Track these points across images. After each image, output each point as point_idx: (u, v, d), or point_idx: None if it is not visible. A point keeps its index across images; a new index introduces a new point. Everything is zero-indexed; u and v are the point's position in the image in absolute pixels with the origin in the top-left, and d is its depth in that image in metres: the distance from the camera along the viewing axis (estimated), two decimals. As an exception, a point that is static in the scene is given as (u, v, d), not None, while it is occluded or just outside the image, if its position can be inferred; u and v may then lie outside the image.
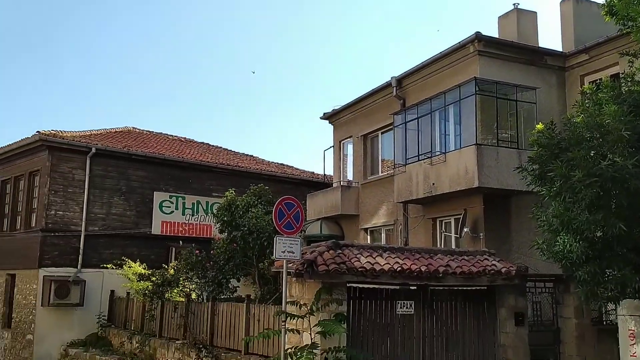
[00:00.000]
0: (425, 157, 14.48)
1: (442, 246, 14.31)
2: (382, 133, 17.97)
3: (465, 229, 13.54)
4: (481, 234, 13.46)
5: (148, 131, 24.88)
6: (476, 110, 13.38)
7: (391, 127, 16.53)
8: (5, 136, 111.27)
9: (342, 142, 19.78)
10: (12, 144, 19.81)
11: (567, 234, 9.01)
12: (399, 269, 9.93)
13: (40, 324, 18.02)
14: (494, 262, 10.90)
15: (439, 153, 14.18)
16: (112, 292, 18.77)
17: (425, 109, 14.88)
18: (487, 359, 10.97)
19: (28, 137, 18.96)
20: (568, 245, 8.93)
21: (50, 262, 18.27)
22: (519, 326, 11.05)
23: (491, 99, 13.64)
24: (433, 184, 14.07)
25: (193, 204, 21.24)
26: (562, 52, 15.04)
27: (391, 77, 16.55)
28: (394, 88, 16.48)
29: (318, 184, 22.30)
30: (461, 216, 13.82)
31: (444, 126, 14.64)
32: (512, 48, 14.43)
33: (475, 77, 13.50)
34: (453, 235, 14.54)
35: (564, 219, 9.00)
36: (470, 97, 13.52)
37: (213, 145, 25.98)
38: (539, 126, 9.85)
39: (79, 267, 18.54)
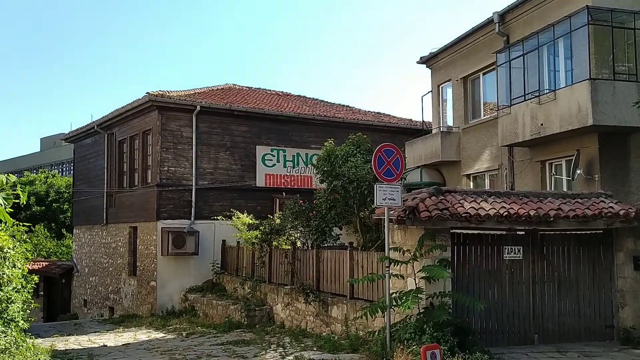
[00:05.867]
0: (533, 96, 13.66)
1: (552, 190, 13.61)
2: (483, 74, 17.14)
3: (578, 171, 12.77)
4: (596, 176, 12.64)
5: (247, 87, 25.54)
6: (589, 42, 12.35)
7: (493, 67, 15.71)
8: (118, 98, 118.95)
9: (441, 86, 19.12)
10: (126, 105, 21.14)
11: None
12: (506, 213, 9.63)
13: (161, 271, 19.58)
14: (610, 204, 10.24)
15: (547, 91, 13.31)
16: (224, 241, 19.87)
17: (531, 45, 13.94)
18: (603, 305, 10.51)
19: (139, 99, 20.13)
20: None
21: (167, 215, 19.63)
22: (638, 270, 10.41)
23: (606, 28, 12.50)
24: (541, 124, 13.29)
25: (293, 156, 21.74)
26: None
27: (493, 13, 15.58)
28: (497, 24, 15.54)
29: (417, 131, 21.88)
30: (573, 157, 13.01)
31: (553, 62, 13.67)
32: (630, -31, 13.00)
33: (587, 5, 12.38)
34: (564, 178, 13.77)
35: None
36: (582, 28, 12.48)
37: (310, 98, 26.20)
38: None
39: (192, 219, 19.77)
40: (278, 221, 16.15)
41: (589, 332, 10.41)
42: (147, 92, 19.60)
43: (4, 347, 9.42)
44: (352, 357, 9.75)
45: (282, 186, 21.33)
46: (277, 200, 20.53)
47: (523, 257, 10.25)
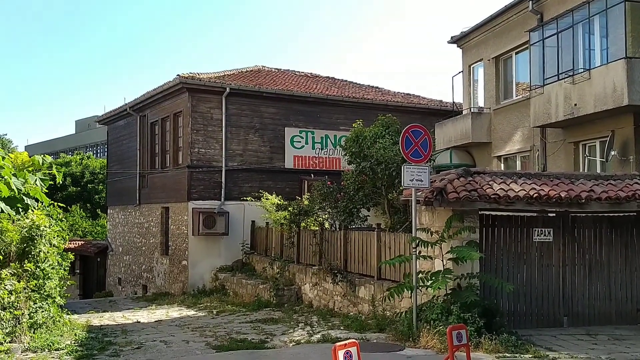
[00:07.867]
0: (566, 75, 13.34)
1: (586, 171, 13.33)
2: (516, 53, 16.79)
3: (612, 152, 12.47)
4: (631, 157, 12.33)
5: (276, 69, 25.53)
6: (625, 20, 12.01)
7: (526, 46, 15.38)
8: (149, 81, 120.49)
9: (472, 66, 18.81)
10: (157, 87, 21.39)
11: None
12: (536, 195, 9.49)
13: (192, 251, 19.94)
14: (645, 187, 9.98)
15: (582, 70, 12.98)
16: (253, 222, 20.09)
17: (566, 23, 13.58)
18: (635, 288, 10.35)
19: (170, 81, 20.34)
20: None
21: (197, 196, 19.92)
22: (674, 255, 10.17)
23: (644, 5, 12.10)
24: (575, 104, 13.00)
25: (322, 137, 21.73)
26: None
27: (526, -10, 15.23)
28: (530, 2, 15.16)
29: (447, 112, 21.60)
30: (608, 138, 12.71)
31: (588, 40, 13.30)
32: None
33: (625, -19, 11.98)
34: (598, 159, 13.47)
35: None
36: (618, 4, 12.11)
37: (338, 79, 26.07)
38: None
39: (222, 199, 20.00)
40: (306, 202, 16.25)
41: (619, 315, 10.26)
42: (178, 75, 19.80)
43: (41, 321, 9.79)
44: (378, 337, 9.82)
45: (311, 168, 21.38)
46: (306, 182, 20.62)
47: (553, 239, 10.12)
